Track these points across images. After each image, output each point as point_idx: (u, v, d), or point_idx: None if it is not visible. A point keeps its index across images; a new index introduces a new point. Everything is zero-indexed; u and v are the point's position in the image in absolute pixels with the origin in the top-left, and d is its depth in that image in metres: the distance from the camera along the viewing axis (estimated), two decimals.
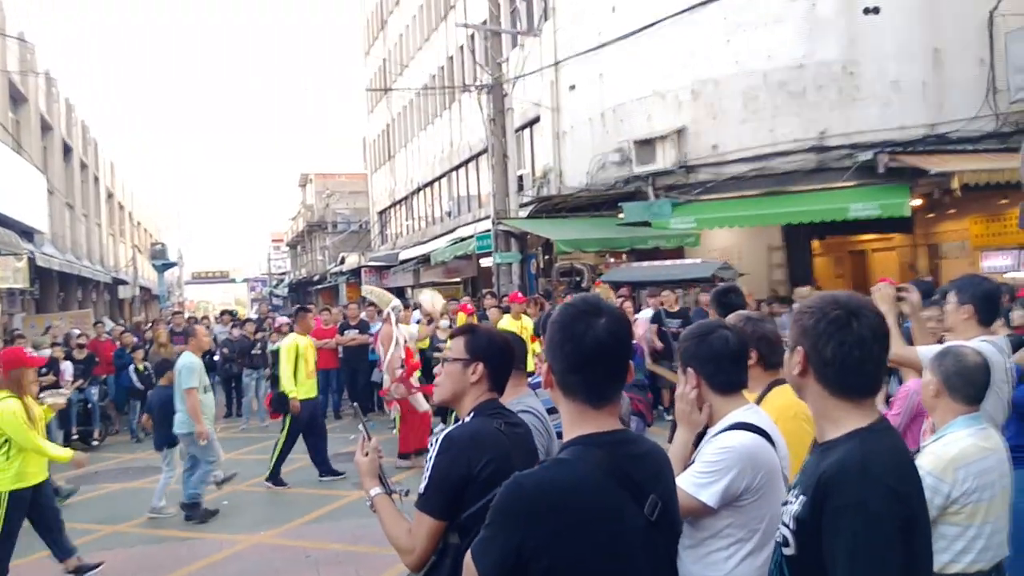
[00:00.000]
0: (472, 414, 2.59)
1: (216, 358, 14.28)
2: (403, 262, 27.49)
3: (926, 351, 3.57)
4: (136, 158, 48.98)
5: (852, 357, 1.88)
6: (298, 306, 12.07)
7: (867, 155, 13.33)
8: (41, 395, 6.59)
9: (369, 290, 11.37)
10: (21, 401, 5.67)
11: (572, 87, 17.96)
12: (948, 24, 13.60)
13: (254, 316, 23.35)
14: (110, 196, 37.98)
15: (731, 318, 3.22)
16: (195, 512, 7.69)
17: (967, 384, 3.05)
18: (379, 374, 13.17)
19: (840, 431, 1.91)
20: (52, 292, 23.93)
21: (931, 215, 15.42)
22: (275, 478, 8.80)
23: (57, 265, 21.59)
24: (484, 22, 17.87)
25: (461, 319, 11.20)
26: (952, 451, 2.95)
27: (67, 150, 27.97)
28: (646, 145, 15.08)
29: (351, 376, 13.22)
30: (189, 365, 7.69)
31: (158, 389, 8.49)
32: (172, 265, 40.89)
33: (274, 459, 8.81)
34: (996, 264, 12.16)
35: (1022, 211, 8.36)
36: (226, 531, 7.41)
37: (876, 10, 13.72)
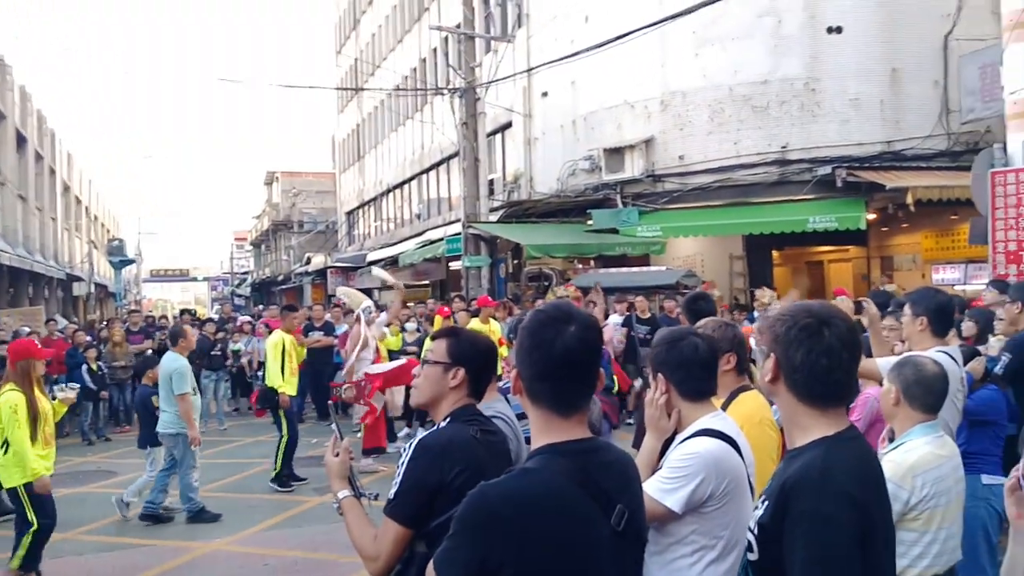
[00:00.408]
0: (448, 419, 2.51)
1: None
2: (371, 263, 27.48)
3: (885, 362, 3.65)
4: (96, 151, 48.17)
5: (820, 365, 1.90)
6: (283, 305, 12.09)
7: (826, 169, 13.77)
8: (51, 389, 6.36)
9: (344, 291, 11.23)
10: (25, 396, 5.51)
11: (544, 94, 18.27)
12: (906, 46, 14.14)
13: (214, 316, 23.19)
14: (66, 189, 37.11)
15: (707, 324, 3.33)
16: (202, 517, 7.57)
17: (926, 393, 3.11)
18: (342, 376, 13.28)
19: (808, 438, 1.93)
20: (2, 288, 23.39)
21: (885, 228, 15.94)
22: (281, 479, 8.70)
23: (7, 260, 21.05)
24: (458, 26, 18.04)
25: (438, 322, 11.20)
26: (911, 459, 2.98)
27: (21, 140, 27.16)
28: (615, 153, 15.44)
29: (315, 378, 12.80)
30: (180, 369, 7.54)
31: (142, 387, 8.43)
32: (130, 262, 40.21)
33: (280, 458, 8.68)
34: (946, 277, 12.60)
35: (972, 227, 8.77)
36: (181, 538, 7.20)
37: (839, 29, 14.22)
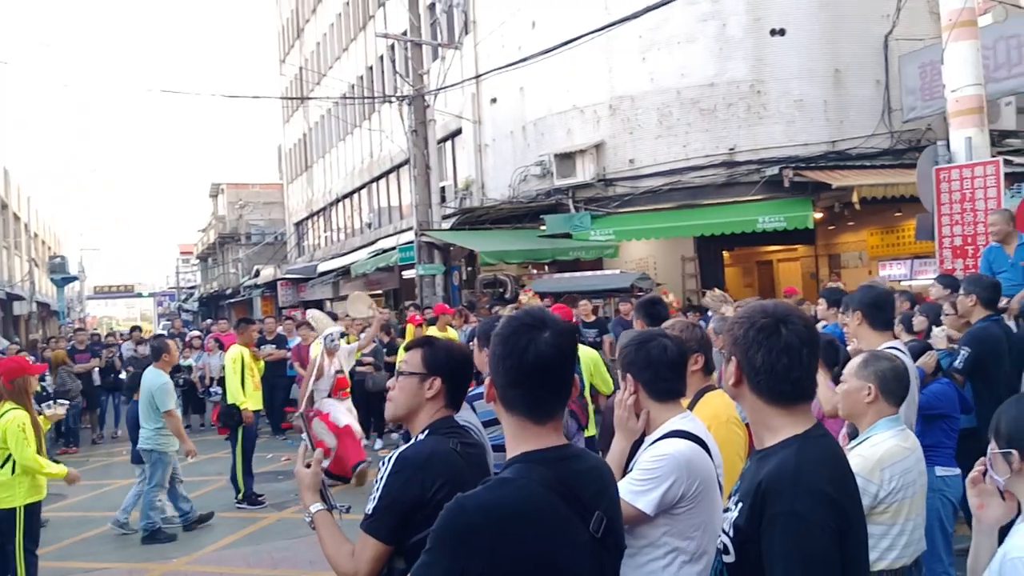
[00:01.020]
0: (427, 432, 2.44)
1: (122, 376, 13.77)
2: (322, 274, 27.19)
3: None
4: (35, 167, 46.90)
5: (781, 364, 1.90)
6: (240, 317, 11.87)
7: (773, 170, 13.94)
8: (39, 406, 6.35)
9: (313, 315, 10.88)
10: (29, 413, 5.49)
11: (494, 100, 18.25)
12: (848, 47, 14.42)
13: (164, 332, 22.73)
14: (4, 207, 36.18)
15: (675, 325, 3.34)
16: (159, 537, 7.43)
17: (901, 387, 3.16)
18: (297, 390, 13.05)
19: (778, 438, 1.93)
20: None
21: (832, 227, 16.26)
22: (249, 497, 8.52)
23: None
24: (404, 33, 17.95)
25: (410, 331, 10.91)
26: (878, 452, 3.01)
27: None
28: (566, 159, 15.48)
29: (268, 392, 12.31)
30: (164, 386, 7.44)
31: (133, 403, 8.32)
32: (73, 279, 39.22)
33: (240, 478, 8.50)
34: (892, 273, 12.90)
35: (919, 223, 8.93)
36: (135, 559, 7.01)
37: (782, 32, 14.44)
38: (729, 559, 1.94)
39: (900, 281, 11.93)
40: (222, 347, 12.49)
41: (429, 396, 2.48)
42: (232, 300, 44.07)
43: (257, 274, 36.31)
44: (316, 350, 9.63)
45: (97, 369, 13.82)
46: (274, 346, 12.99)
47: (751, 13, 14.52)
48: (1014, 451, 1.99)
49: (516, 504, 1.67)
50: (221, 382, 9.15)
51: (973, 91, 8.13)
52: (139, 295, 70.66)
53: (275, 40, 42.05)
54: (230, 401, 8.55)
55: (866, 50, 14.43)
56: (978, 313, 5.35)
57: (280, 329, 13.89)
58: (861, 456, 2.99)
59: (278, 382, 12.61)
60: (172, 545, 7.31)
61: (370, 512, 2.28)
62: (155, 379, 7.51)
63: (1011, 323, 5.90)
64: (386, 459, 2.36)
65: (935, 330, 5.44)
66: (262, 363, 10.43)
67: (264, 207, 48.05)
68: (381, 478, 2.30)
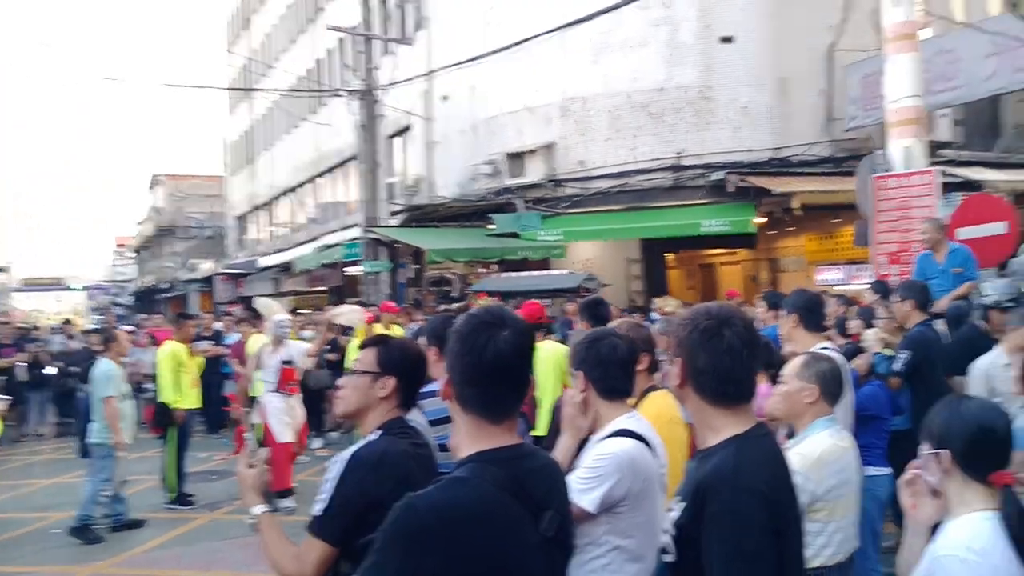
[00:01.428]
0: (380, 432, 2.40)
1: (50, 371, 13.31)
2: (262, 270, 26.79)
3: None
4: None
5: (723, 364, 1.94)
6: (178, 312, 11.56)
7: (718, 175, 14.13)
8: None
9: (263, 303, 10.39)
10: None
11: (445, 98, 18.16)
12: (793, 56, 14.71)
13: (95, 326, 22.10)
14: None
15: (621, 324, 3.40)
16: (86, 535, 7.17)
17: (839, 387, 3.24)
18: (233, 387, 12.71)
19: (719, 438, 1.96)
20: None
21: (773, 232, 16.55)
22: (180, 497, 8.28)
23: None
24: (355, 27, 17.78)
25: (362, 329, 10.68)
26: (816, 451, 3.06)
27: None
28: (517, 158, 15.51)
29: (204, 390, 12.15)
30: (107, 372, 7.26)
31: (84, 397, 8.11)
32: None
33: (172, 479, 8.26)
34: (828, 277, 13.23)
35: (857, 229, 9.15)
36: (59, 562, 6.69)
37: (730, 39, 14.69)
38: (671, 559, 1.96)
39: (836, 285, 12.23)
40: (156, 343, 12.15)
41: (381, 395, 2.45)
42: (168, 295, 43.11)
43: (195, 268, 35.63)
44: (256, 343, 9.41)
45: (23, 364, 13.29)
46: (211, 343, 12.61)
47: (701, 20, 14.73)
48: (944, 452, 2.05)
49: (469, 504, 1.65)
50: (154, 379, 8.83)
51: (912, 102, 8.38)
52: (68, 288, 68.43)
53: (222, 29, 41.24)
54: (162, 399, 8.28)
55: (811, 60, 14.76)
56: (914, 318, 5.53)
57: (218, 325, 13.57)
58: (800, 455, 3.04)
59: (214, 380, 12.23)
60: (99, 547, 7.04)
61: (318, 513, 2.22)
62: (101, 367, 7.35)
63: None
64: (337, 458, 2.30)
65: (868, 333, 5.60)
66: (200, 360, 10.15)
67: (205, 200, 47.03)
68: (332, 478, 2.24)
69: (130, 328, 16.79)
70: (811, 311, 4.18)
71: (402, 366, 2.50)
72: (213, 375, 12.23)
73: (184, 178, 50.68)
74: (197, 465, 9.67)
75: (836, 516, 3.10)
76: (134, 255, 65.04)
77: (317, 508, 2.23)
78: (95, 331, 14.65)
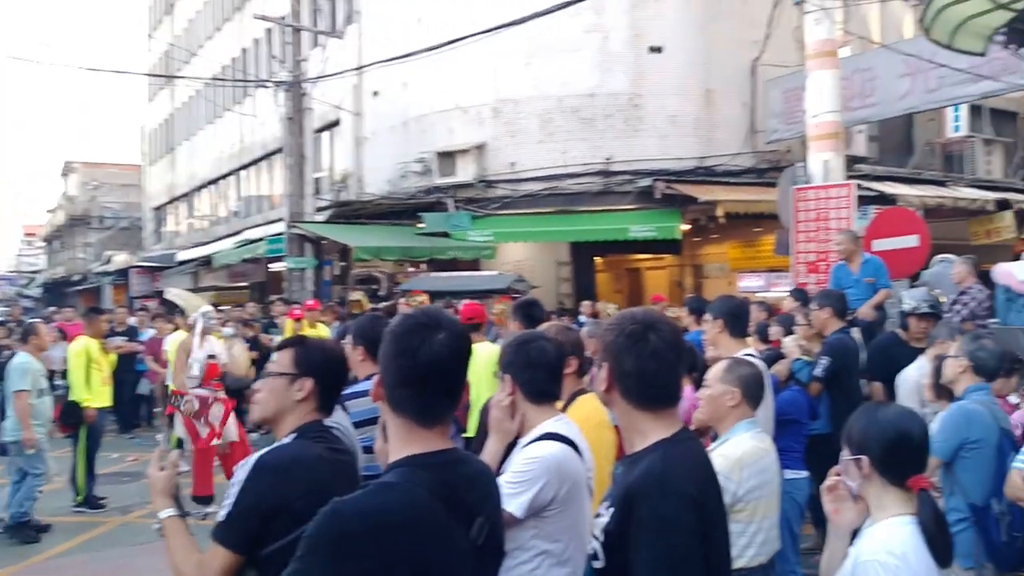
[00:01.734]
0: (294, 435, 2.32)
1: None
2: (181, 263, 26.04)
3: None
4: None
5: (650, 368, 1.95)
6: (90, 307, 11.07)
7: (646, 182, 14.35)
8: None
9: (176, 293, 9.88)
10: None
11: (375, 93, 17.96)
12: (719, 68, 15.09)
13: (3, 319, 21.13)
14: None
15: (550, 328, 3.40)
16: (23, 533, 6.90)
17: (760, 391, 3.33)
18: (147, 386, 12.36)
19: (646, 442, 1.97)
20: None
21: (697, 239, 16.93)
22: (90, 501, 7.94)
23: None
24: (284, 17, 17.41)
25: (289, 327, 10.34)
26: (738, 452, 3.13)
27: None
28: (447, 157, 15.45)
29: (116, 388, 11.75)
30: (22, 366, 6.97)
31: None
32: None
33: (81, 480, 7.91)
34: (750, 285, 13.56)
35: (778, 239, 9.41)
36: None
37: (660, 49, 14.95)
38: (599, 564, 1.96)
39: (757, 292, 12.55)
40: (66, 338, 11.65)
41: (298, 398, 2.36)
42: (80, 287, 41.43)
43: (109, 260, 34.47)
44: (176, 340, 9.03)
45: None
46: (125, 338, 12.10)
47: (632, 29, 14.95)
48: (864, 457, 2.12)
49: (398, 510, 1.61)
50: (64, 376, 8.42)
51: (831, 117, 8.68)
52: None
53: (144, 13, 39.88)
54: (72, 397, 7.91)
55: (736, 73, 15.15)
56: (832, 325, 5.73)
57: (132, 320, 13.10)
58: (723, 456, 3.10)
59: (127, 377, 11.83)
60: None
61: (222, 519, 2.14)
62: (16, 360, 7.09)
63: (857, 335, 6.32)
64: (244, 463, 2.22)
65: (786, 340, 5.76)
66: (113, 357, 9.77)
67: (121, 189, 45.42)
68: (238, 483, 2.16)
69: (39, 321, 16.09)
70: (736, 317, 4.25)
71: (321, 367, 2.41)
72: (126, 373, 11.79)
73: (99, 166, 48.86)
74: (108, 466, 9.32)
75: (757, 517, 3.16)
76: (44, 245, 62.36)
77: (221, 514, 2.16)
78: (4, 324, 14.00)
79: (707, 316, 4.39)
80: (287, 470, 2.15)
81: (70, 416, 7.90)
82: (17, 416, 6.95)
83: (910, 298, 5.70)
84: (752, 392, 3.26)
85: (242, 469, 2.19)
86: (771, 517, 3.26)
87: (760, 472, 3.18)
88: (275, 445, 2.31)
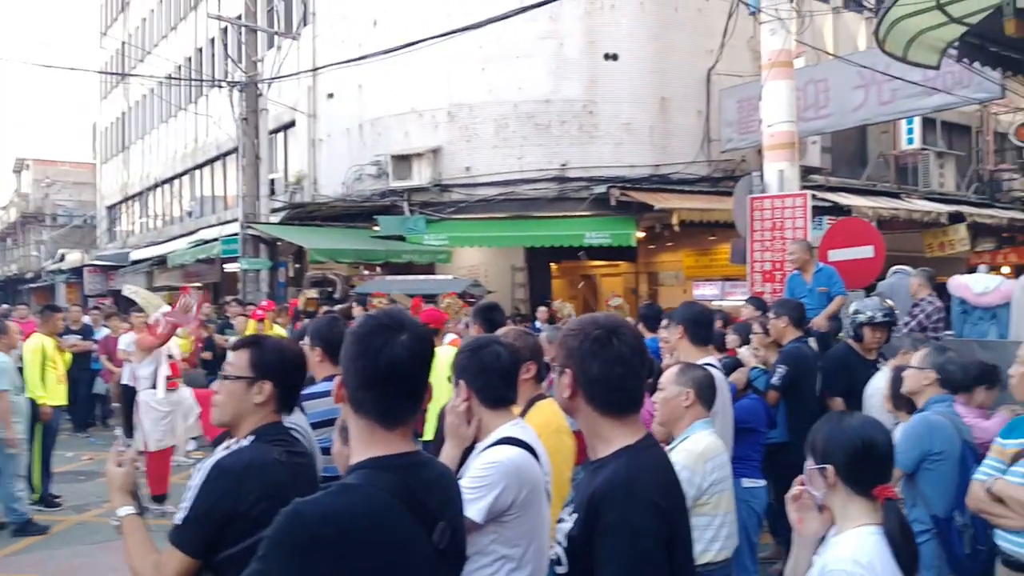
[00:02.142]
0: (252, 437, 2.30)
1: None
2: (135, 263, 25.57)
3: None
4: None
5: (615, 373, 1.94)
6: (45, 304, 10.83)
7: (601, 188, 14.43)
8: None
9: (134, 291, 9.54)
10: None
11: (331, 95, 17.81)
12: (674, 77, 15.25)
13: None
14: None
15: (508, 332, 3.37)
16: (29, 528, 6.94)
17: (712, 393, 3.42)
18: (102, 385, 12.12)
19: (611, 448, 1.96)
20: None
21: (652, 246, 17.09)
22: (45, 499, 7.85)
23: None
24: (239, 17, 17.17)
25: (251, 327, 10.12)
26: (700, 447, 3.21)
27: None
28: (403, 161, 15.37)
29: (71, 386, 11.58)
30: (0, 366, 6.79)
31: None
32: None
33: (37, 478, 7.79)
34: (705, 293, 13.71)
35: (734, 247, 9.46)
36: None
37: (615, 57, 15.07)
38: (562, 570, 1.95)
39: (711, 301, 12.69)
40: (20, 335, 11.37)
41: (258, 402, 2.33)
42: (32, 285, 40.62)
43: (62, 258, 33.82)
44: (127, 339, 8.91)
45: None
46: (79, 336, 11.97)
47: (587, 36, 15.04)
48: (829, 466, 2.13)
49: (359, 512, 1.59)
50: (19, 373, 8.26)
51: (786, 127, 8.81)
52: None
53: (97, 11, 39.07)
54: (28, 395, 7.76)
55: (690, 82, 15.33)
56: (790, 334, 5.78)
57: (86, 319, 12.86)
58: (685, 451, 3.17)
59: (82, 376, 11.65)
60: None
61: (179, 522, 2.14)
62: None
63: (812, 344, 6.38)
64: (201, 466, 2.21)
65: (742, 349, 5.79)
66: (68, 355, 9.59)
67: (74, 187, 44.73)
68: (194, 487, 2.15)
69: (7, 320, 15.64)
70: (698, 324, 4.25)
71: (279, 369, 2.37)
72: (81, 371, 11.64)
73: (52, 163, 48.22)
74: (64, 465, 9.26)
75: (720, 510, 3.24)
76: None
77: (178, 517, 2.15)
78: None
79: (667, 322, 4.39)
80: (242, 475, 2.14)
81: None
82: None
83: (864, 308, 5.75)
84: (704, 393, 3.34)
85: (199, 472, 2.18)
86: (731, 512, 3.34)
87: (721, 466, 3.27)
88: (232, 449, 2.29)
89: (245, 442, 2.29)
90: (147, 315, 8.30)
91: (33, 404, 7.78)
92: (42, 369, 7.93)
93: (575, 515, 1.94)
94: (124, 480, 2.32)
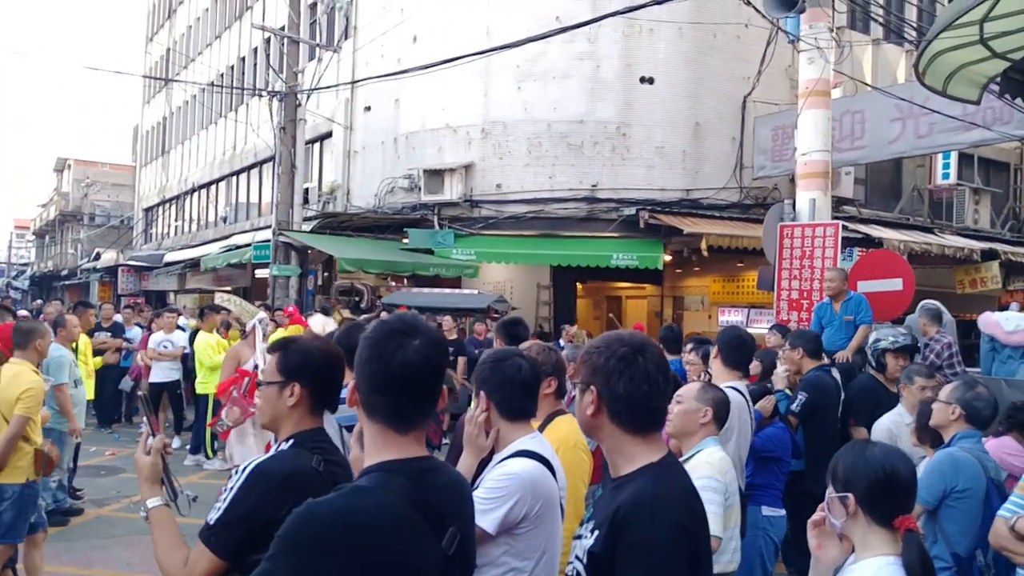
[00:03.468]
0: (291, 442, 2.30)
1: None
2: (168, 264, 25.95)
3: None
4: None
5: (641, 391, 1.94)
6: (78, 300, 11.07)
7: (631, 210, 14.42)
8: None
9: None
10: None
11: (368, 108, 18.03)
12: (709, 102, 15.24)
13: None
14: None
15: (532, 347, 3.39)
16: (66, 516, 7.12)
17: (727, 415, 3.55)
18: (128, 382, 12.27)
19: (634, 466, 1.96)
20: None
21: (679, 270, 17.01)
22: (68, 492, 7.84)
23: None
24: (282, 28, 17.48)
25: (295, 331, 10.16)
26: (716, 457, 3.32)
27: None
28: (435, 175, 15.49)
29: (98, 383, 11.40)
30: (59, 359, 6.89)
31: None
32: None
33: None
34: (730, 319, 13.62)
35: (761, 275, 9.40)
36: None
37: (651, 80, 15.10)
38: None
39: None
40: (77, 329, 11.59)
41: (290, 404, 2.32)
42: (67, 282, 41.33)
43: (98, 257, 34.40)
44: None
45: None
46: (109, 334, 12.12)
47: (624, 59, 15.08)
48: (850, 495, 2.11)
49: (371, 514, 1.60)
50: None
51: (821, 156, 8.75)
52: None
53: (144, 17, 39.95)
54: None
55: (725, 108, 15.29)
56: (807, 364, 5.76)
57: (118, 317, 13.06)
58: (707, 462, 3.25)
59: (109, 373, 11.71)
60: None
61: (212, 522, 2.11)
62: (52, 353, 6.87)
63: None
64: (240, 467, 2.19)
65: (777, 370, 5.72)
66: (97, 359, 9.78)
67: (112, 188, 45.52)
68: (232, 488, 2.13)
69: (25, 312, 15.95)
70: (731, 348, 4.34)
71: (307, 370, 2.35)
72: (109, 368, 11.71)
73: (93, 164, 49.09)
74: (86, 459, 9.33)
75: (732, 523, 3.32)
76: (34, 239, 62.20)
77: (212, 516, 2.12)
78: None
79: (712, 349, 4.59)
80: (281, 483, 2.13)
81: None
82: (58, 409, 6.88)
83: (883, 336, 5.70)
84: (720, 414, 3.46)
85: (238, 474, 2.16)
86: (738, 527, 3.44)
87: (732, 481, 3.33)
88: (272, 453, 2.30)
89: (285, 446, 2.30)
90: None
91: None
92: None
93: (596, 532, 1.92)
94: (152, 469, 2.32)
